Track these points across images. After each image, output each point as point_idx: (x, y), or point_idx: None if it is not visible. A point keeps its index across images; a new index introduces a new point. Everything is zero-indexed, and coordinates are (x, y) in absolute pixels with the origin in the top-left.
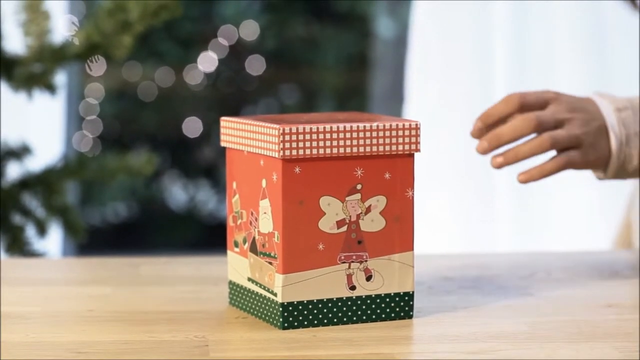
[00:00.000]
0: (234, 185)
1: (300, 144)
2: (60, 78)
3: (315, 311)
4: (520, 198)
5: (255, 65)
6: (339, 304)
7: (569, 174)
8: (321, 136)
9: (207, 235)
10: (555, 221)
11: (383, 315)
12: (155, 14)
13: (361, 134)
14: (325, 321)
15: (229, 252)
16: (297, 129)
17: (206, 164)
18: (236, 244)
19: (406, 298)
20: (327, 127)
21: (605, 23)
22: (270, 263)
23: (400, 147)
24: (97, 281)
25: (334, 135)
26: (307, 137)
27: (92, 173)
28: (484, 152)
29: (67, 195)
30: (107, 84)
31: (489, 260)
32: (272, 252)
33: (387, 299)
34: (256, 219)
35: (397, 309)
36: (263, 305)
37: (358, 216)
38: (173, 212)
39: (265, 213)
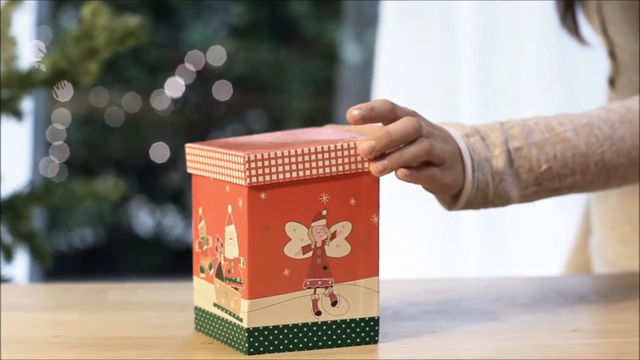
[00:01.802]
0: (200, 211)
1: (267, 170)
2: (27, 104)
3: (280, 336)
4: (486, 222)
5: (223, 91)
6: (305, 329)
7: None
8: (287, 160)
9: (174, 261)
10: (521, 245)
11: (348, 341)
12: (121, 40)
13: (326, 155)
14: (291, 346)
15: (194, 277)
16: (263, 155)
17: (173, 190)
18: (202, 270)
19: (371, 323)
20: (292, 151)
21: (570, 55)
22: (236, 288)
23: (366, 165)
24: (63, 307)
25: (299, 159)
26: (273, 162)
27: (59, 199)
28: (372, 150)
29: (34, 221)
30: (74, 109)
31: (454, 285)
32: (237, 278)
33: (353, 324)
34: (222, 245)
35: (363, 334)
36: (229, 331)
37: (323, 242)
38: (140, 238)
39: (231, 239)
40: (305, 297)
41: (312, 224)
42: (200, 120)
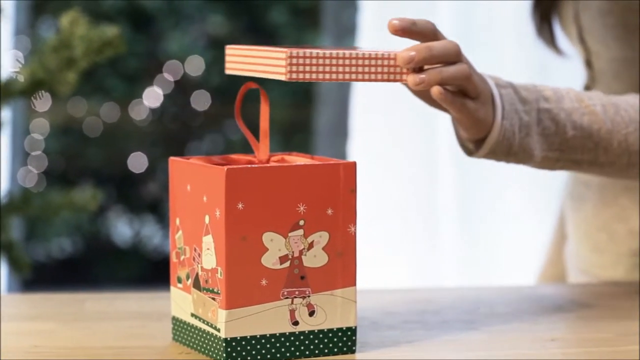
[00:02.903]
0: (177, 222)
1: (308, 68)
2: (5, 114)
3: (258, 346)
4: (465, 232)
5: (201, 101)
6: (282, 339)
7: (516, 206)
8: (328, 61)
9: (152, 271)
10: (499, 255)
11: (326, 351)
12: (99, 50)
13: (367, 62)
14: (269, 356)
15: (172, 288)
16: (305, 52)
17: (151, 199)
18: (179, 280)
19: (349, 333)
20: (335, 52)
21: (546, 62)
22: (214, 299)
23: (405, 76)
24: (41, 317)
25: (340, 62)
26: (315, 61)
27: (37, 209)
28: (410, 61)
29: (12, 231)
30: (52, 119)
31: (432, 294)
32: (215, 288)
33: (330, 334)
34: (199, 255)
35: (340, 344)
36: (206, 341)
37: (301, 252)
38: (118, 248)
39: (208, 249)
40: (283, 307)
41: (290, 234)
42: (179, 130)
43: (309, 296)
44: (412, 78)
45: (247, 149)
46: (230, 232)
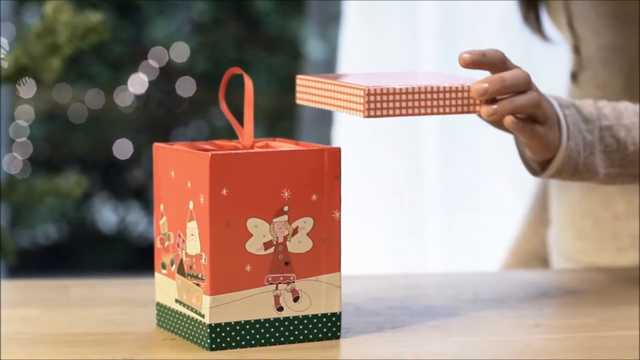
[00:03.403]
0: (162, 208)
1: (385, 105)
2: None
3: (242, 332)
4: (449, 219)
5: (186, 87)
6: (267, 325)
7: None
8: (404, 97)
9: (138, 257)
10: (483, 241)
11: (310, 336)
12: (83, 36)
13: (441, 95)
14: (253, 342)
15: (156, 274)
16: (382, 89)
17: (136, 186)
18: (164, 266)
19: (333, 319)
20: (410, 87)
21: (532, 52)
22: (198, 285)
23: (477, 107)
24: (25, 303)
25: (416, 97)
26: (392, 97)
27: (21, 195)
28: (484, 93)
29: None
30: (37, 106)
31: (416, 280)
32: (199, 274)
33: (315, 320)
34: (183, 241)
35: (325, 330)
36: (191, 327)
37: (285, 237)
38: (103, 234)
39: (192, 235)
40: (267, 292)
41: (274, 220)
42: (164, 116)
43: (293, 282)
44: (485, 110)
45: (232, 135)
46: (215, 218)
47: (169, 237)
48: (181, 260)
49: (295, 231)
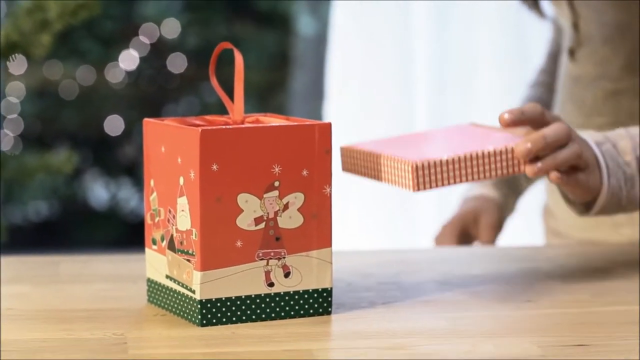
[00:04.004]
0: (152, 183)
1: (433, 177)
2: None
3: (233, 308)
4: (439, 195)
5: (177, 63)
6: (258, 300)
7: None
8: (450, 166)
9: (129, 233)
10: None
11: (301, 312)
12: (74, 13)
13: (486, 159)
14: (244, 318)
15: (147, 249)
16: (429, 162)
17: (128, 162)
18: (154, 242)
19: (324, 294)
20: (456, 157)
21: (525, 32)
22: (189, 260)
23: (522, 167)
24: (16, 280)
25: (462, 164)
26: (439, 169)
27: (12, 172)
28: (529, 154)
29: None
30: (28, 82)
31: (408, 256)
32: (190, 250)
33: (306, 296)
34: (174, 217)
35: (316, 305)
36: (181, 303)
37: (276, 213)
38: (95, 211)
39: (183, 210)
40: (258, 268)
41: (265, 195)
42: (155, 92)
43: (284, 257)
44: (530, 169)
45: (223, 111)
46: (205, 193)
47: (159, 213)
48: (172, 236)
49: (286, 206)
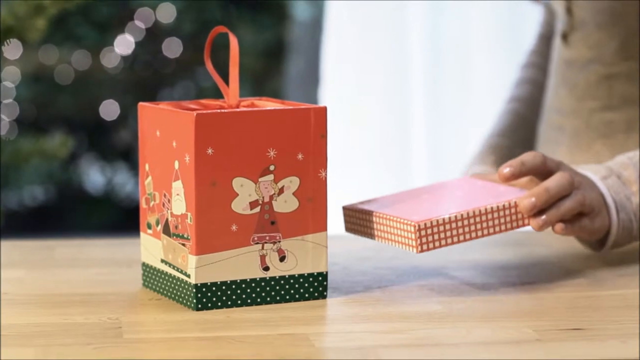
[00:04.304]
0: (147, 167)
1: (436, 236)
2: None
3: (229, 292)
4: (435, 179)
5: (172, 48)
6: (253, 284)
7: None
8: (454, 225)
9: (125, 218)
10: None
11: (297, 296)
12: None
13: (490, 215)
14: (239, 302)
15: (142, 234)
16: (432, 222)
17: (123, 147)
18: (149, 226)
19: (320, 278)
20: (459, 215)
21: (519, 17)
22: (184, 244)
23: (526, 221)
24: (11, 264)
25: (465, 222)
26: (442, 228)
27: (7, 156)
28: (533, 209)
29: None
30: (23, 67)
31: None
32: (185, 234)
33: (301, 280)
34: (169, 201)
35: (311, 289)
36: (176, 287)
37: (271, 197)
38: (90, 195)
39: (178, 195)
40: (253, 252)
41: (260, 179)
42: (150, 77)
43: (279, 241)
44: (535, 224)
45: (218, 96)
46: (200, 177)
47: (154, 197)
48: (167, 220)
49: (281, 190)
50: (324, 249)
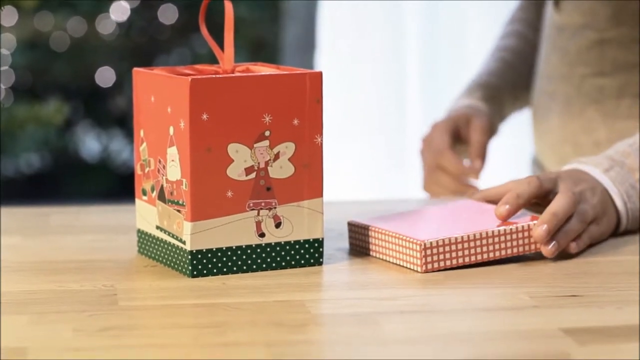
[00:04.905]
0: (142, 133)
1: (441, 256)
2: None
3: (224, 259)
4: None
5: (168, 14)
6: (248, 251)
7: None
8: (459, 246)
9: (121, 185)
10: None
11: (293, 262)
12: None
13: (501, 238)
14: (235, 269)
15: (137, 200)
16: (438, 242)
17: (119, 114)
18: (144, 192)
19: (316, 245)
20: (466, 236)
21: None
22: (179, 211)
23: (538, 246)
24: (5, 231)
25: (472, 244)
26: (447, 248)
27: (2, 124)
28: (548, 235)
29: None
30: (18, 34)
31: (398, 206)
32: (180, 200)
33: (297, 246)
34: (164, 167)
35: (307, 256)
36: (172, 254)
37: (267, 163)
38: (86, 162)
39: (173, 161)
40: (249, 218)
41: (255, 145)
42: (146, 44)
43: (275, 208)
44: (546, 251)
45: (214, 62)
46: (195, 143)
47: (149, 163)
48: (162, 186)
49: (276, 156)
50: (320, 215)
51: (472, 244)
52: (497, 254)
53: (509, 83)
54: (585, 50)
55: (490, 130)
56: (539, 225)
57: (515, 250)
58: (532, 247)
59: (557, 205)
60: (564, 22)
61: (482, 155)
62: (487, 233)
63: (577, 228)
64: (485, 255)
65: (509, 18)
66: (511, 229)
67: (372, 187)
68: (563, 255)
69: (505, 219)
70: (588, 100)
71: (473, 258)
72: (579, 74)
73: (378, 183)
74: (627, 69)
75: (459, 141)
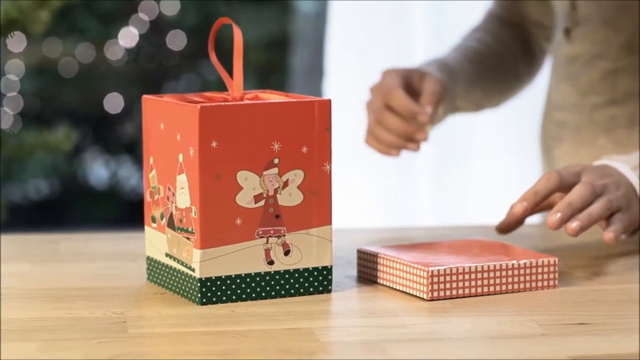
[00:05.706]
0: (151, 160)
1: (448, 285)
2: None
3: (233, 286)
4: (438, 172)
5: (177, 41)
6: (257, 279)
7: (488, 143)
8: (467, 277)
9: (129, 212)
10: (475, 194)
11: (301, 290)
12: None
13: (509, 272)
14: (244, 296)
15: (146, 227)
16: (445, 270)
17: (128, 140)
18: (154, 220)
19: (324, 272)
20: (473, 267)
21: None
22: (188, 238)
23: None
24: (15, 258)
25: (479, 275)
26: (454, 277)
27: (11, 150)
28: (561, 224)
29: None
30: (27, 60)
31: (408, 233)
32: (189, 227)
33: (306, 274)
34: (173, 194)
35: (316, 284)
36: (181, 281)
37: (275, 190)
38: (95, 189)
39: (182, 188)
40: (258, 246)
41: (264, 173)
42: (155, 70)
43: (284, 235)
44: (570, 229)
45: (222, 89)
46: (204, 170)
47: (158, 191)
48: (171, 213)
49: (285, 184)
50: (329, 242)
51: (479, 275)
52: (504, 287)
53: (465, 72)
54: (597, 79)
55: (444, 93)
56: (553, 214)
57: (522, 285)
58: (541, 283)
59: (574, 195)
60: (575, 52)
61: (434, 104)
62: (495, 266)
63: (601, 212)
64: (492, 288)
65: (474, 26)
66: (520, 264)
67: (381, 213)
68: (570, 282)
69: (522, 216)
70: (599, 129)
71: (479, 290)
72: (591, 103)
73: (387, 210)
74: (639, 98)
75: (410, 93)
